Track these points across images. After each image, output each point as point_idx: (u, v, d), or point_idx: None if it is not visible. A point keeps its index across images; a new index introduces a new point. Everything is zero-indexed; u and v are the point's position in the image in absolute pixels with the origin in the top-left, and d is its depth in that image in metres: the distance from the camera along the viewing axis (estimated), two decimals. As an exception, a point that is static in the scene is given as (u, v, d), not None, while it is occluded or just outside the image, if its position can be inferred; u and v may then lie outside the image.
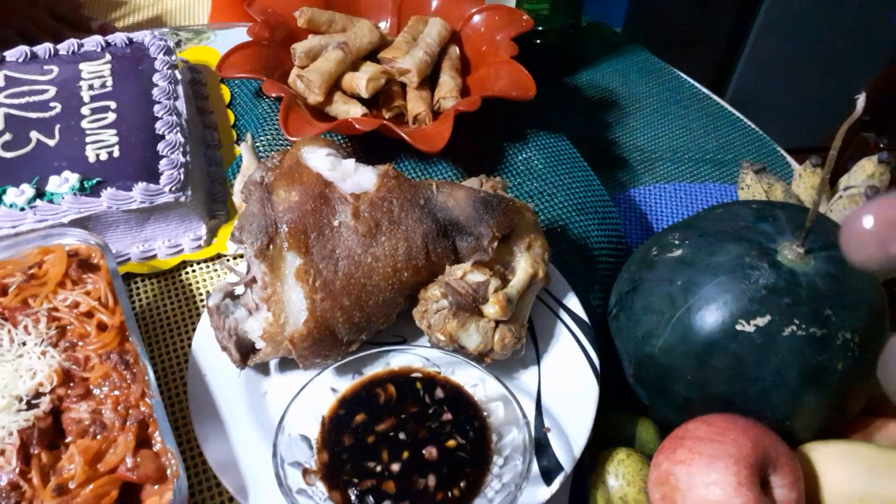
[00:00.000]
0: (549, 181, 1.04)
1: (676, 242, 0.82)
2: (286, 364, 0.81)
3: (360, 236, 0.77)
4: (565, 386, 0.79)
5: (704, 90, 1.44)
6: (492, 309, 0.76)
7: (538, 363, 0.82)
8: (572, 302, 0.86)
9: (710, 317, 0.74)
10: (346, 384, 0.75)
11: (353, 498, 0.67)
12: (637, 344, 0.81)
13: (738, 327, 0.73)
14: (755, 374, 0.73)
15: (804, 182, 1.08)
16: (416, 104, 1.08)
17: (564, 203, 1.02)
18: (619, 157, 1.28)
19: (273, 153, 0.83)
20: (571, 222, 1.00)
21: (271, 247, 0.76)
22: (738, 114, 1.40)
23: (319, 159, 0.81)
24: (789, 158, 1.30)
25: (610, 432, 0.84)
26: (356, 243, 0.77)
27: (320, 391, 0.74)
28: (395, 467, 0.68)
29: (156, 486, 0.64)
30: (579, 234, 0.99)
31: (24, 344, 0.70)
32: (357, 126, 0.96)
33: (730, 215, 0.83)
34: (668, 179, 1.23)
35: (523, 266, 0.81)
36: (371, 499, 0.66)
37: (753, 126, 1.37)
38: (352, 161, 0.81)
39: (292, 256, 0.76)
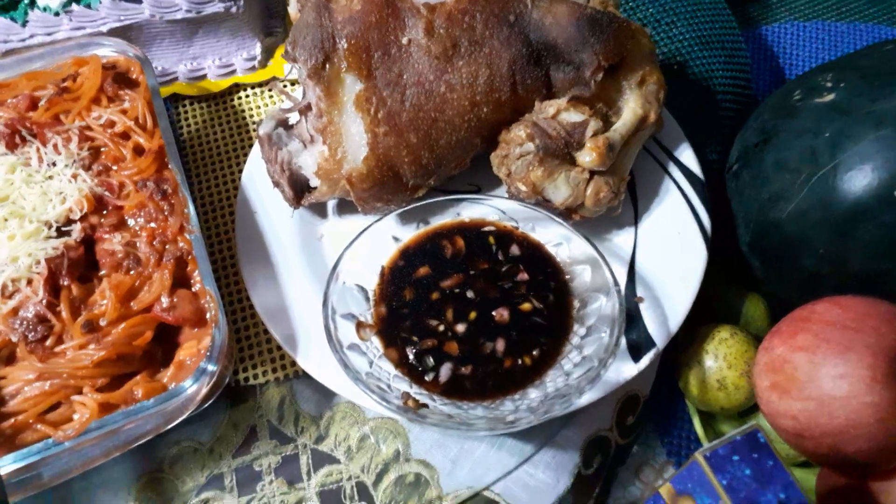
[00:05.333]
0: (667, 6, 0.87)
1: (828, 85, 0.66)
2: (345, 206, 0.72)
3: (432, 59, 0.64)
4: (666, 252, 0.68)
5: None
6: (588, 157, 0.63)
7: (635, 224, 0.70)
8: (685, 154, 0.72)
9: (863, 178, 0.61)
10: (409, 233, 0.66)
11: (410, 357, 0.59)
12: (761, 206, 0.68)
13: (899, 194, 0.59)
14: (911, 252, 0.60)
15: None
16: None
17: (685, 34, 0.86)
18: (751, -16, 1.07)
19: (334, -47, 0.69)
20: (692, 58, 0.84)
21: (328, 66, 0.64)
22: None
23: (388, -41, 0.66)
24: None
25: (710, 306, 0.73)
26: (428, 67, 0.64)
27: (380, 239, 0.65)
28: (460, 328, 0.60)
29: (194, 330, 0.58)
30: (700, 72, 0.83)
31: (53, 164, 0.63)
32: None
33: (905, 52, 0.65)
34: (809, 16, 1.04)
35: (632, 106, 0.67)
36: (431, 359, 0.59)
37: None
38: (428, -37, 0.67)
39: (352, 80, 0.64)
